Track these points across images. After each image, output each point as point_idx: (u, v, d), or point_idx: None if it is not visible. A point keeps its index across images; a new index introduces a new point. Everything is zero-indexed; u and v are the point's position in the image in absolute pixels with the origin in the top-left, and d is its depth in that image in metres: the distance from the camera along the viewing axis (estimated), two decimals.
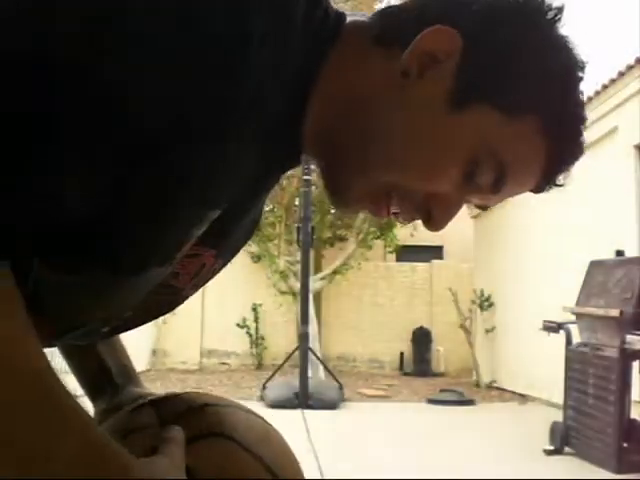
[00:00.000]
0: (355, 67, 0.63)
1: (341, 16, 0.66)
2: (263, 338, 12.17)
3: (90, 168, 0.50)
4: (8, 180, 0.46)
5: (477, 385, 10.06)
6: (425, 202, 0.64)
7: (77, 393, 0.56)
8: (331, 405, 7.54)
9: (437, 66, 0.61)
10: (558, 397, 5.94)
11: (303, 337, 8.19)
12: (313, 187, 9.23)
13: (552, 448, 5.12)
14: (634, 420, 4.71)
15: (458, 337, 11.09)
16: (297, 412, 7.00)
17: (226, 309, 12.30)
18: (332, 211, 12.12)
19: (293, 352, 8.50)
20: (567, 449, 5.09)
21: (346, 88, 0.63)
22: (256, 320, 12.19)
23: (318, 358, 9.08)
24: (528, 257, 9.02)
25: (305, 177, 8.37)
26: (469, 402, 8.29)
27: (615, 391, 4.65)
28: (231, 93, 0.52)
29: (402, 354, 12.27)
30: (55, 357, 0.68)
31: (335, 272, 11.29)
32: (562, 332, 5.39)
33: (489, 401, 8.77)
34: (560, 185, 0.66)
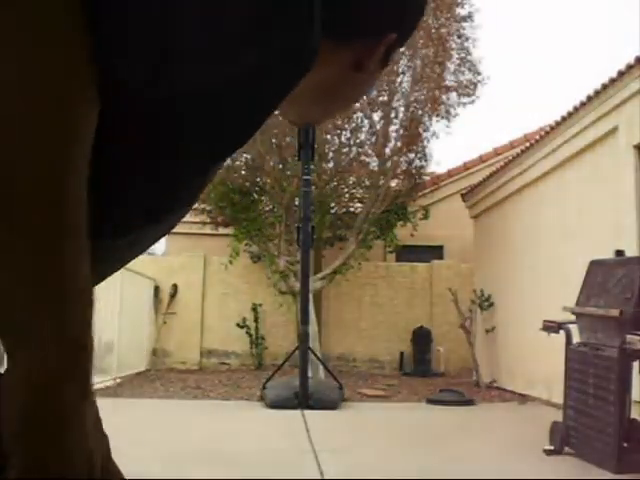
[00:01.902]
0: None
1: None
2: (263, 338, 12.17)
3: None
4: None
5: (477, 385, 10.06)
6: None
7: None
8: (331, 405, 7.54)
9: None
10: (558, 397, 5.94)
11: (303, 337, 8.19)
12: (313, 187, 9.23)
13: (552, 448, 5.12)
14: (634, 420, 4.71)
15: (458, 337, 11.09)
16: (297, 412, 6.99)
17: (226, 309, 12.31)
18: (332, 211, 12.15)
19: (293, 352, 8.50)
20: (567, 449, 5.09)
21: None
22: (256, 320, 12.19)
23: (318, 358, 9.08)
24: (528, 257, 9.02)
25: (305, 177, 8.36)
26: (469, 402, 8.28)
27: (615, 391, 4.65)
28: None
29: (402, 354, 12.27)
30: None
31: (335, 272, 11.28)
32: (562, 332, 5.39)
33: (489, 401, 8.76)
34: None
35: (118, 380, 9.44)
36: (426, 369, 11.85)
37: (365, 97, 10.48)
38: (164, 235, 0.76)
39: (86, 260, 0.53)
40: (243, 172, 11.47)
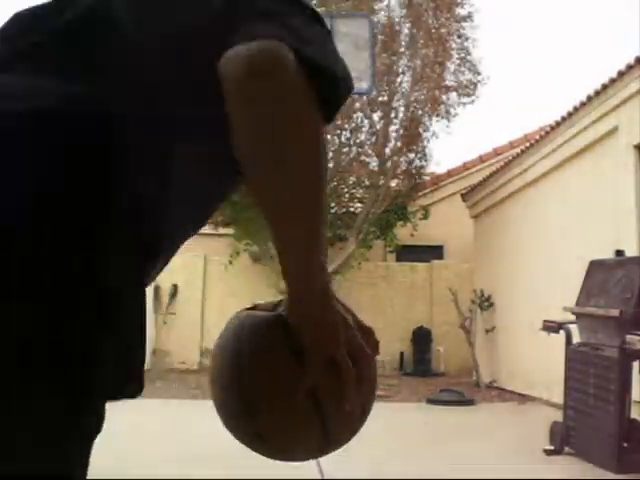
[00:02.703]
0: None
1: None
2: None
3: None
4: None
5: (477, 385, 10.05)
6: None
7: None
8: None
9: None
10: (558, 397, 5.95)
11: None
12: None
13: (552, 448, 5.12)
14: (634, 420, 4.71)
15: (458, 337, 11.08)
16: None
17: (226, 309, 12.28)
18: (332, 211, 12.14)
19: None
20: (567, 449, 5.09)
21: None
22: None
23: None
24: (528, 257, 9.02)
25: None
26: (469, 402, 8.28)
27: (615, 391, 4.65)
28: None
29: (402, 354, 12.26)
30: None
31: (335, 272, 11.28)
32: (562, 332, 5.39)
33: (489, 401, 8.76)
34: None
35: None
36: (426, 369, 11.84)
37: (365, 97, 10.48)
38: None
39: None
40: None
